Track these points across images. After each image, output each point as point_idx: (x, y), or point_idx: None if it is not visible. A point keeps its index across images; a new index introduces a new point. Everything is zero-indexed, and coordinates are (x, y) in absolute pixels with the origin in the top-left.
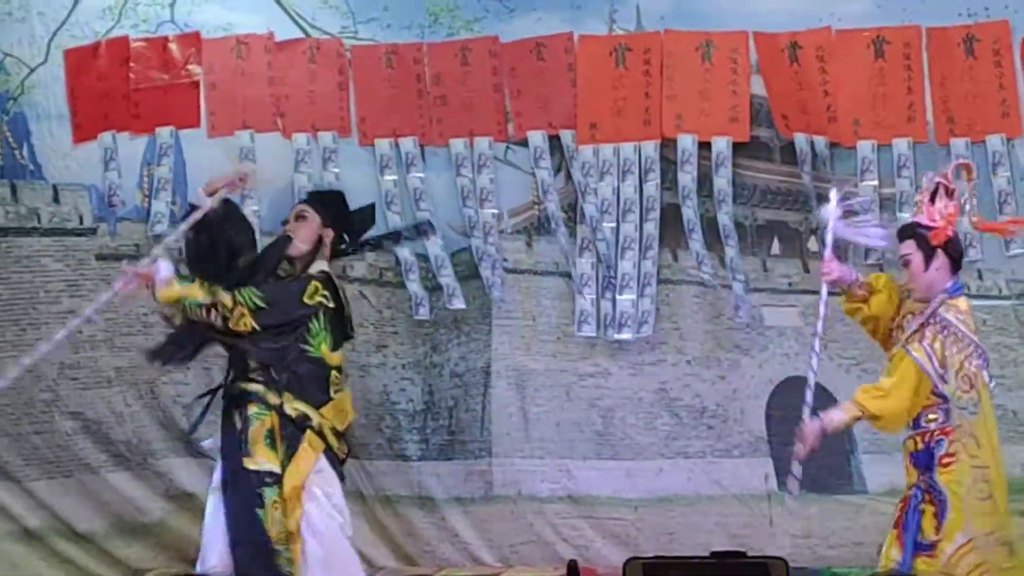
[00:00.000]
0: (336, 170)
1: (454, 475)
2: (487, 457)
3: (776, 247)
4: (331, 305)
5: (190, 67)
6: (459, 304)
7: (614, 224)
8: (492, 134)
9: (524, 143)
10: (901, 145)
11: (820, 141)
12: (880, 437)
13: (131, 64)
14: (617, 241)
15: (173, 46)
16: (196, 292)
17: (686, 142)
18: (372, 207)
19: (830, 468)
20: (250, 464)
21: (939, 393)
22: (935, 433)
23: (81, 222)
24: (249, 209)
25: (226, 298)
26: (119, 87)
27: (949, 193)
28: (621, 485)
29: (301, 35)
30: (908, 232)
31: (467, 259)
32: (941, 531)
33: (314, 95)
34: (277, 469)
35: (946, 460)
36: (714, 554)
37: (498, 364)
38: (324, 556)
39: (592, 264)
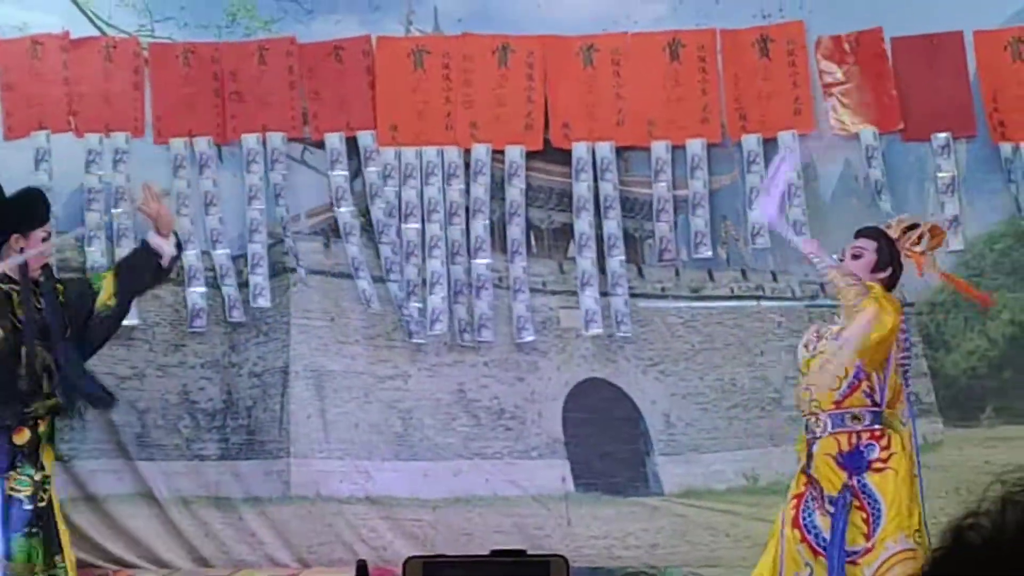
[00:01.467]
0: (126, 171)
1: (252, 475)
2: (286, 457)
3: (572, 250)
4: None
5: None
6: (239, 317)
7: (419, 226)
8: (287, 131)
9: (322, 145)
10: (695, 146)
11: (605, 147)
12: (676, 439)
13: None
14: (424, 242)
15: None
16: None
17: (480, 152)
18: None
19: (626, 470)
20: None
21: (869, 394)
22: (863, 435)
23: None
24: None
25: None
26: None
27: (920, 239)
28: (419, 486)
29: (97, 34)
30: (872, 234)
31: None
32: (872, 539)
33: (109, 94)
34: None
35: (879, 465)
36: (494, 552)
37: (296, 364)
38: None
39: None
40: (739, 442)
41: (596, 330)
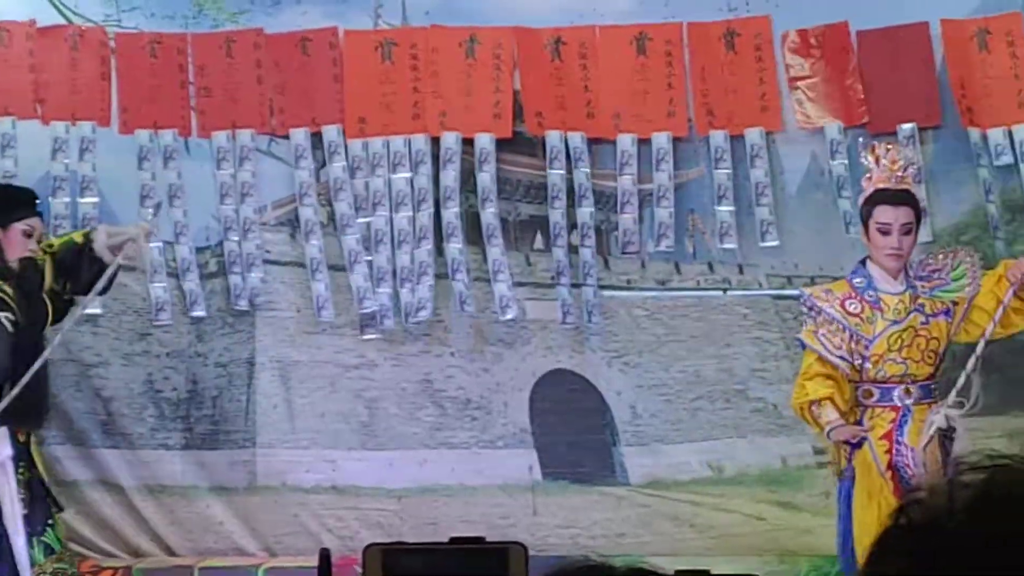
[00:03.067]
0: (92, 160)
1: (217, 464)
2: (251, 447)
3: (539, 241)
4: None
5: None
6: (200, 312)
7: (387, 215)
8: (255, 127)
9: (287, 137)
10: (661, 139)
11: (576, 137)
12: (641, 430)
13: None
14: (392, 233)
15: None
16: None
17: (450, 140)
18: None
19: (592, 460)
20: None
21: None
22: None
23: None
24: None
25: None
26: None
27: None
28: (385, 475)
29: (64, 22)
30: (907, 199)
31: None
32: None
33: (76, 83)
34: None
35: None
36: (453, 540)
37: (262, 355)
38: None
39: (367, 260)
40: (704, 433)
41: (573, 321)
